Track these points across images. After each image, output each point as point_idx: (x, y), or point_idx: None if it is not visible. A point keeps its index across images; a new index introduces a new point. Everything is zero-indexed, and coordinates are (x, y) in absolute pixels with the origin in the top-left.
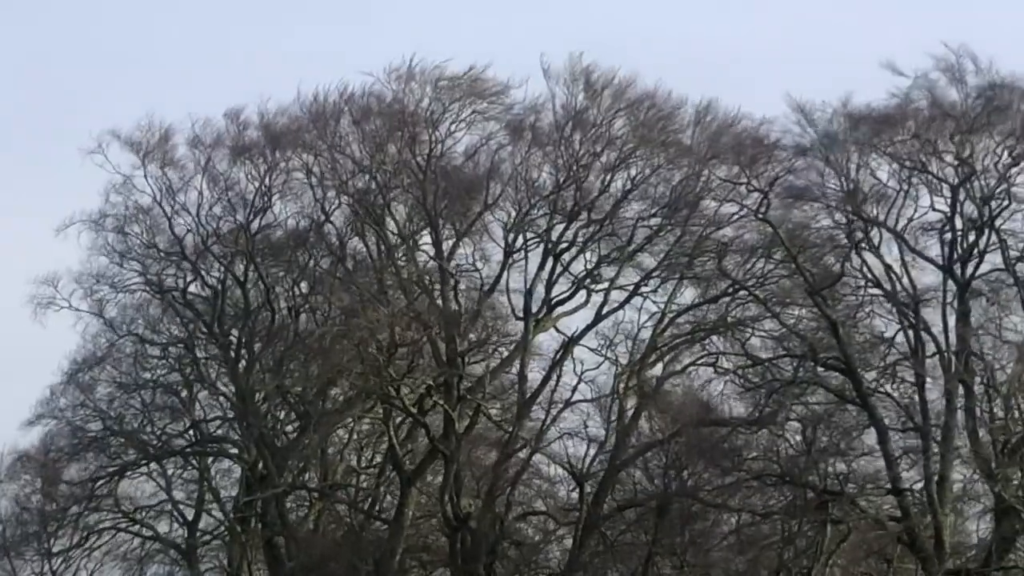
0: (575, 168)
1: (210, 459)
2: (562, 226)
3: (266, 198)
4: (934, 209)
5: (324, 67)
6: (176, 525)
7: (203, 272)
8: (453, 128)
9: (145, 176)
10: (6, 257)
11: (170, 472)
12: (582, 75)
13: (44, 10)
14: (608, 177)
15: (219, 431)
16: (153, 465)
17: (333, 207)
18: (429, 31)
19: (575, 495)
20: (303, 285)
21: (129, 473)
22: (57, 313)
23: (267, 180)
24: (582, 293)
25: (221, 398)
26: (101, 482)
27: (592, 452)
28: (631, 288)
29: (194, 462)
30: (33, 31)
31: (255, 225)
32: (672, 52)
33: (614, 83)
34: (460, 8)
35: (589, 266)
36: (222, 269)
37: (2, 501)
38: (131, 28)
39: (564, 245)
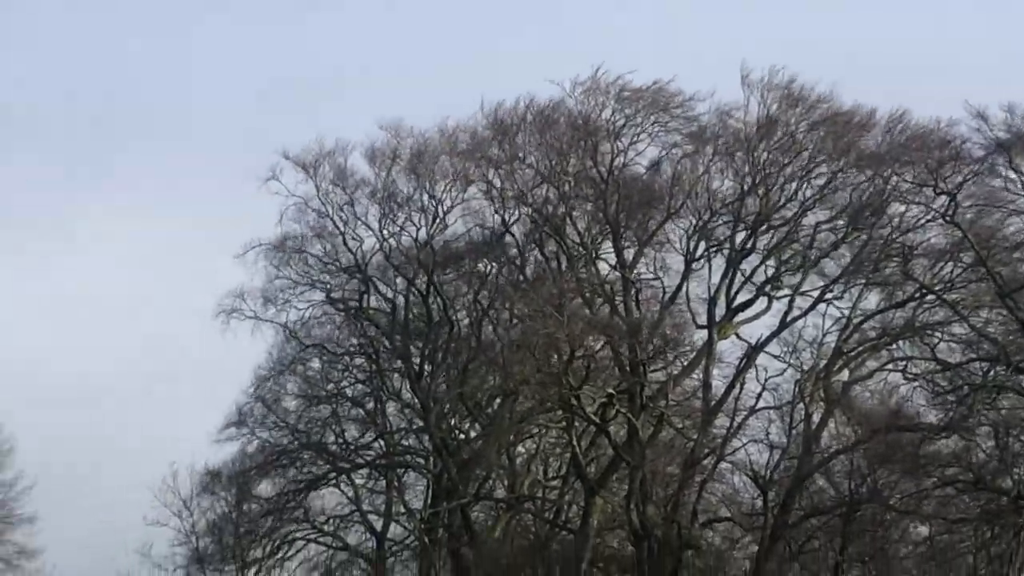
0: (761, 176)
1: (398, 470)
2: (743, 234)
3: (445, 211)
4: None
5: (507, 79)
6: (365, 536)
7: (380, 285)
8: (635, 139)
9: (318, 194)
10: (188, 285)
11: (359, 483)
12: (779, 85)
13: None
14: (794, 185)
15: (405, 442)
16: (342, 476)
17: (513, 219)
18: (617, 44)
19: (759, 502)
20: (483, 297)
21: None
22: (242, 323)
23: (446, 193)
24: (763, 300)
25: (407, 409)
26: (291, 496)
27: (775, 459)
28: (815, 295)
29: (382, 473)
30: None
31: (434, 237)
32: (855, 59)
33: (806, 93)
34: (649, 19)
35: (770, 272)
36: (403, 282)
37: (196, 515)
38: (297, 48)
39: (746, 253)
